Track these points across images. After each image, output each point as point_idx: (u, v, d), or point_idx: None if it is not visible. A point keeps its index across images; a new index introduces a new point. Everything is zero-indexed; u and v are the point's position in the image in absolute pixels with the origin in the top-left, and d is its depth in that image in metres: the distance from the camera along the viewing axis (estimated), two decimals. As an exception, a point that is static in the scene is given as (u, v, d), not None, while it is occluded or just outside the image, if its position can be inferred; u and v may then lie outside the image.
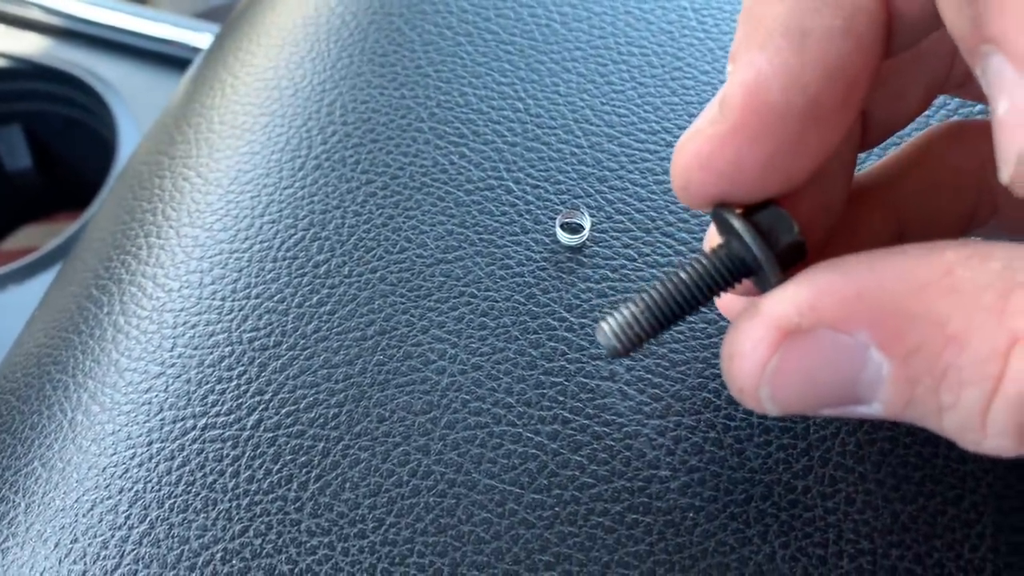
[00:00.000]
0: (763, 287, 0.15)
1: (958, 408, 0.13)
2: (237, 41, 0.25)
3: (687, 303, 0.14)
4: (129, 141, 0.41)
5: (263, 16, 0.26)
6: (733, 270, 0.14)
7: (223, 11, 0.53)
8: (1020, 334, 0.12)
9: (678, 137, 0.22)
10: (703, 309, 0.17)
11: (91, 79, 0.43)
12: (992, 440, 0.13)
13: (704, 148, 0.14)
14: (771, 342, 0.13)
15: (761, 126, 0.13)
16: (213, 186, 0.22)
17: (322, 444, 0.18)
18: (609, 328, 0.14)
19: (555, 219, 0.21)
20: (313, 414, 0.18)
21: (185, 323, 0.20)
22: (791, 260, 0.14)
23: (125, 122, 0.41)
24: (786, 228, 0.14)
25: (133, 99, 0.42)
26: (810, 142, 0.13)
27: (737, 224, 0.14)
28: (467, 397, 0.18)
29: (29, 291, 0.37)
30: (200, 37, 0.43)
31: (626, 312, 0.14)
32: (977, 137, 0.17)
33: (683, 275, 0.14)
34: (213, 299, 0.20)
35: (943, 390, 0.13)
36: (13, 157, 0.46)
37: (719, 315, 0.19)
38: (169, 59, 0.43)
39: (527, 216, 0.21)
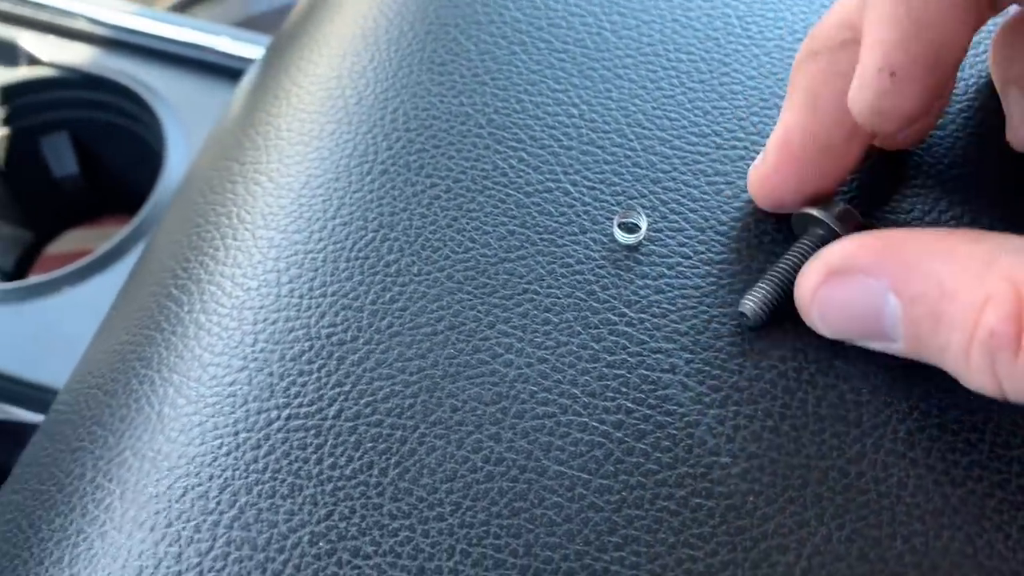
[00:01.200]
0: None
1: (951, 348, 0.17)
2: (297, 51, 0.27)
3: (787, 283, 0.20)
4: (177, 148, 0.42)
5: (321, 27, 0.27)
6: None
7: (262, 19, 0.54)
8: (993, 294, 0.16)
9: (727, 139, 0.23)
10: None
11: (138, 87, 0.44)
12: (974, 377, 0.17)
13: (753, 178, 0.21)
14: (820, 276, 0.19)
15: (788, 167, 0.20)
16: (285, 190, 0.23)
17: (399, 432, 0.19)
18: (754, 304, 0.20)
19: (612, 219, 0.21)
20: (390, 404, 0.19)
21: (265, 319, 0.21)
22: None
23: (173, 129, 0.42)
24: (853, 216, 0.20)
25: (179, 107, 0.43)
26: (827, 168, 0.20)
27: (823, 216, 0.20)
28: (534, 388, 0.19)
29: (84, 293, 0.39)
30: (242, 47, 0.44)
31: (762, 291, 0.20)
32: None
33: (791, 259, 0.20)
34: (291, 297, 0.21)
35: (940, 332, 0.17)
36: (60, 163, 0.48)
37: (773, 309, 0.20)
38: (214, 68, 0.44)
39: (585, 217, 0.22)
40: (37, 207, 0.50)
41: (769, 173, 0.21)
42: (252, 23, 0.53)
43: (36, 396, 0.37)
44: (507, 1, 0.25)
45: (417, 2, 0.26)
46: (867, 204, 0.22)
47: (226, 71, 0.44)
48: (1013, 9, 0.22)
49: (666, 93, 0.23)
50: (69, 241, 0.51)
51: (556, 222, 0.22)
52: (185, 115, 0.43)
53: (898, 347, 0.18)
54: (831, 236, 0.20)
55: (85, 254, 0.51)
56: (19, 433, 0.41)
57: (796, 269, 0.20)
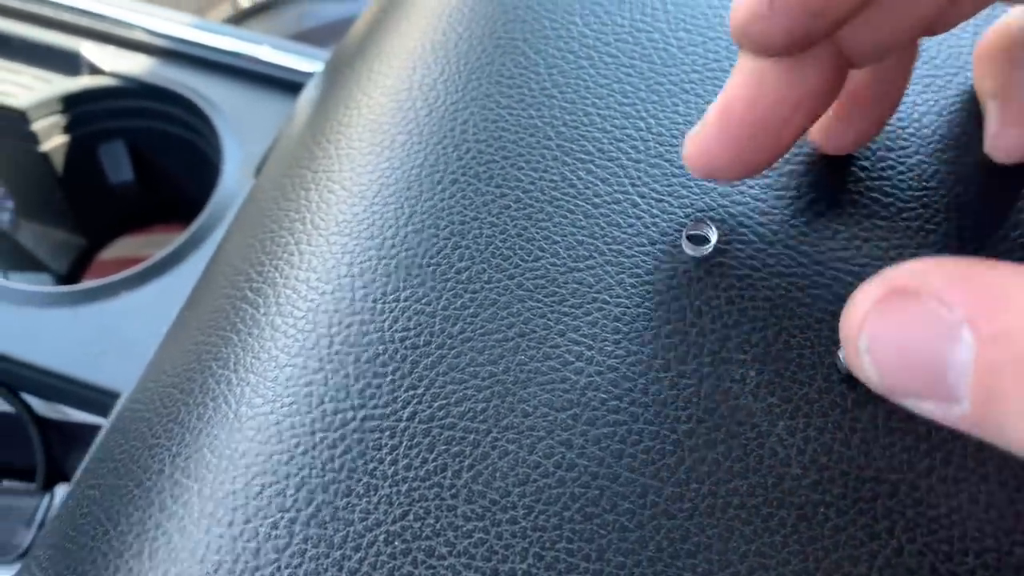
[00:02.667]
0: None
1: None
2: (365, 63, 0.27)
3: None
4: (233, 158, 0.43)
5: (388, 40, 0.27)
6: None
7: (314, 34, 0.55)
8: None
9: (794, 152, 0.23)
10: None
11: (196, 98, 0.45)
12: None
13: (689, 146, 0.21)
14: (879, 294, 0.14)
15: (725, 137, 0.20)
16: (358, 198, 0.23)
17: (472, 436, 0.19)
18: None
19: (680, 231, 0.22)
20: (463, 408, 0.20)
21: (340, 323, 0.21)
22: None
23: (229, 140, 0.43)
24: None
25: (235, 118, 0.44)
26: (766, 143, 0.20)
27: None
28: (605, 396, 0.20)
29: (140, 297, 0.39)
30: (298, 60, 0.45)
31: None
32: None
33: None
34: (365, 301, 0.21)
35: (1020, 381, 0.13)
36: (117, 171, 0.49)
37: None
38: (269, 80, 0.45)
39: (653, 228, 0.22)
40: (91, 213, 0.51)
41: (706, 141, 0.20)
42: (304, 37, 0.54)
43: (92, 397, 0.38)
44: (574, 16, 0.26)
45: (486, 17, 0.26)
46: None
47: (281, 83, 0.45)
48: (999, 23, 0.22)
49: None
50: (121, 247, 0.52)
51: (625, 233, 0.22)
52: (240, 126, 0.44)
53: (960, 410, 0.14)
54: None
55: (136, 260, 0.52)
56: (75, 434, 0.41)
57: None
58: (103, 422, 0.38)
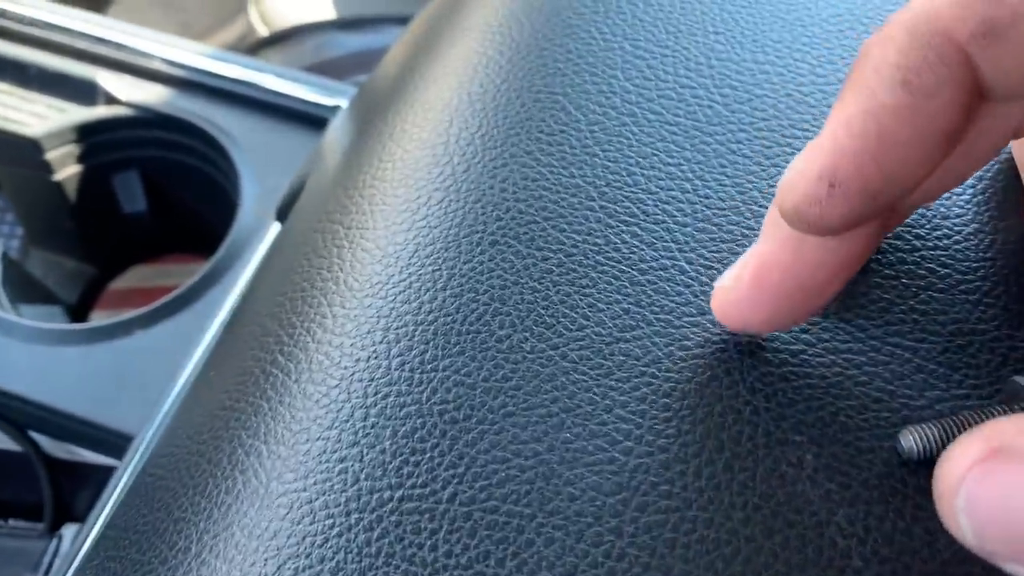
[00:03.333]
0: None
1: None
2: (399, 113, 0.26)
3: None
4: (250, 192, 0.42)
5: (425, 90, 0.27)
6: None
7: (334, 65, 0.54)
8: None
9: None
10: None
11: (212, 129, 0.44)
12: None
13: (719, 303, 0.20)
14: (980, 452, 0.14)
15: (761, 302, 0.19)
16: (393, 258, 0.22)
17: (516, 521, 0.18)
18: (916, 441, 0.18)
19: (731, 301, 0.21)
20: (506, 490, 0.19)
21: (376, 393, 0.20)
22: None
23: (246, 172, 0.43)
24: None
25: (252, 150, 0.44)
26: (797, 307, 0.19)
27: None
28: (655, 479, 0.19)
29: (154, 336, 0.39)
30: (317, 93, 0.44)
31: (932, 430, 0.18)
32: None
33: (980, 414, 0.18)
34: (402, 370, 0.20)
35: None
36: (131, 200, 0.48)
37: (904, 404, 0.19)
38: (287, 112, 0.44)
39: (703, 297, 0.21)
40: (103, 243, 0.50)
41: (738, 300, 0.19)
42: (323, 67, 0.54)
43: (103, 439, 0.37)
44: (616, 71, 0.25)
45: (525, 70, 0.25)
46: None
47: (301, 116, 0.44)
48: None
49: (782, 170, 0.23)
50: (133, 277, 0.52)
51: (673, 302, 0.21)
52: (258, 158, 0.43)
53: None
54: None
55: (148, 291, 0.51)
56: (85, 474, 0.40)
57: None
58: (114, 462, 0.37)
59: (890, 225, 0.20)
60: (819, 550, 0.18)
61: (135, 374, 0.37)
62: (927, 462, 0.19)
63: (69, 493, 0.41)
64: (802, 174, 0.17)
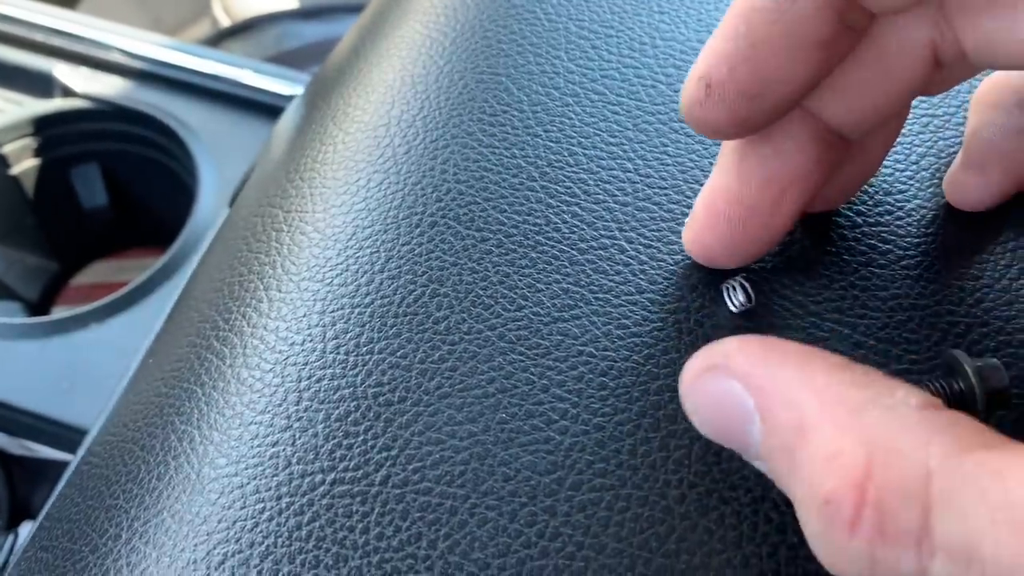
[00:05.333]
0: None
1: (796, 500, 0.15)
2: (343, 96, 0.26)
3: None
4: (208, 183, 0.41)
5: (368, 72, 0.26)
6: (953, 399, 0.18)
7: (295, 55, 0.54)
8: (843, 451, 0.14)
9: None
10: None
11: (170, 121, 0.44)
12: (810, 541, 0.14)
13: (686, 237, 0.20)
14: (700, 367, 0.16)
15: (715, 229, 0.19)
16: (332, 241, 0.22)
17: (449, 502, 0.18)
18: None
19: (673, 279, 0.21)
20: (439, 471, 0.19)
21: (310, 377, 0.20)
22: (998, 405, 0.18)
23: (205, 164, 0.42)
24: (1000, 380, 0.17)
25: (211, 142, 0.43)
26: (755, 231, 0.19)
27: (969, 370, 0.17)
28: (591, 458, 0.19)
29: (110, 329, 0.38)
30: (277, 83, 0.44)
31: None
32: None
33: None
34: (337, 353, 0.20)
35: (791, 477, 0.15)
36: (90, 195, 0.47)
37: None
38: (247, 103, 0.44)
39: (642, 276, 0.21)
40: (64, 238, 0.50)
41: (699, 232, 0.20)
42: (285, 58, 0.53)
43: (59, 434, 0.37)
44: (559, 51, 0.25)
45: (468, 51, 0.25)
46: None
47: (259, 107, 0.44)
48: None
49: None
50: (94, 272, 0.51)
51: (612, 281, 0.21)
52: (217, 150, 0.43)
53: (763, 468, 0.16)
54: (968, 392, 0.17)
55: (110, 285, 0.51)
56: (41, 470, 0.40)
57: None
58: (71, 458, 0.37)
59: (845, 136, 0.19)
60: (754, 526, 0.18)
61: (90, 368, 0.37)
62: None
63: (27, 491, 0.40)
64: (688, 77, 0.18)
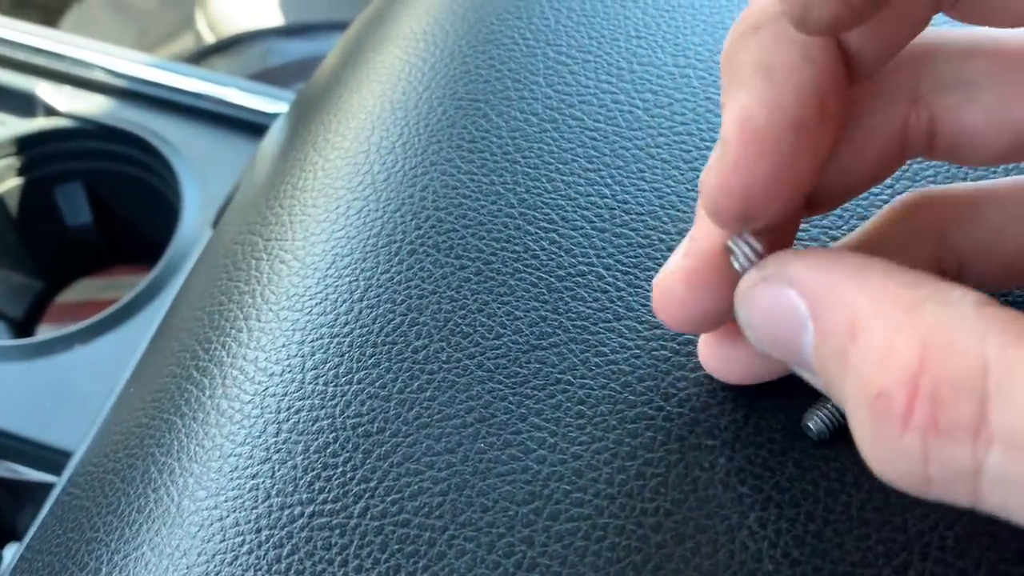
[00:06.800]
0: None
1: (847, 402, 0.14)
2: (323, 121, 0.26)
3: None
4: (192, 202, 0.42)
5: (348, 98, 0.26)
6: None
7: (279, 72, 0.54)
8: (898, 348, 0.13)
9: (763, 224, 0.22)
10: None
11: (154, 139, 0.44)
12: (859, 443, 0.14)
13: (716, 180, 0.16)
14: (756, 277, 0.16)
15: (757, 150, 0.16)
16: (311, 270, 0.22)
17: (428, 534, 0.18)
18: (822, 421, 0.18)
19: (651, 306, 0.21)
20: (418, 503, 0.19)
21: (289, 408, 0.20)
22: None
23: (189, 183, 0.42)
24: None
25: (195, 160, 0.43)
26: (801, 154, 0.16)
27: None
28: (568, 487, 0.19)
29: (95, 350, 0.38)
30: (261, 101, 0.44)
31: (832, 408, 0.18)
32: (938, 202, 0.19)
33: None
34: (316, 384, 0.20)
35: (844, 378, 0.14)
36: (74, 213, 0.47)
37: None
38: (231, 121, 0.44)
39: (619, 303, 0.21)
40: (49, 256, 0.49)
41: (730, 171, 0.16)
42: (270, 75, 0.53)
43: (43, 456, 0.37)
44: (538, 77, 0.25)
45: (447, 77, 0.25)
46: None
47: (244, 125, 0.44)
48: None
49: (700, 174, 0.23)
50: (79, 290, 0.51)
51: (589, 308, 0.21)
52: (201, 168, 0.43)
53: (819, 382, 0.16)
54: None
55: (95, 303, 0.50)
56: (26, 492, 0.40)
57: None
58: (56, 480, 0.37)
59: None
60: (730, 554, 0.18)
61: (75, 389, 0.37)
62: (838, 436, 0.19)
63: (11, 512, 0.40)
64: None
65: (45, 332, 0.50)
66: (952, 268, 0.19)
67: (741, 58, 0.16)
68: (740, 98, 0.16)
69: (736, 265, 0.17)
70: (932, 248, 0.19)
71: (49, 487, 0.39)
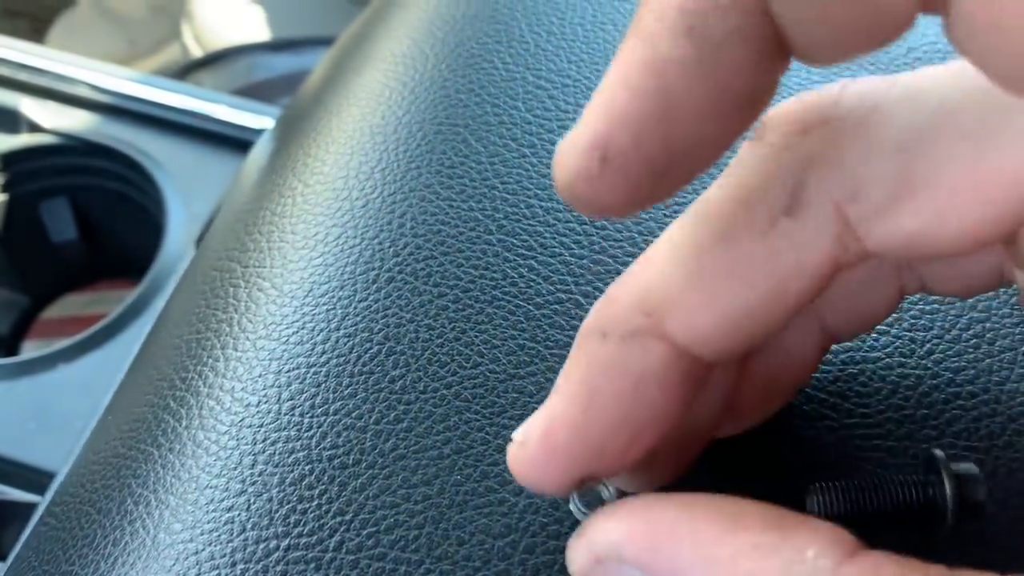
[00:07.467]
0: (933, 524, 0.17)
1: None
2: (303, 146, 0.26)
3: (871, 505, 0.17)
4: (177, 218, 0.41)
5: (328, 121, 0.26)
6: (920, 504, 0.17)
7: (265, 87, 0.54)
8: None
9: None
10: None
11: (138, 155, 0.44)
12: None
13: (515, 461, 0.16)
14: (586, 561, 0.15)
15: (549, 457, 0.16)
16: (288, 298, 0.22)
17: (404, 568, 0.18)
18: (821, 499, 0.17)
19: (625, 335, 0.21)
20: (394, 536, 0.19)
21: (265, 439, 0.20)
22: (970, 517, 0.17)
23: (173, 199, 0.42)
24: (976, 493, 0.17)
25: (180, 176, 0.43)
26: (596, 470, 0.16)
27: (946, 475, 0.17)
28: (544, 520, 0.19)
29: (79, 369, 0.38)
30: (246, 116, 0.44)
31: (836, 491, 0.17)
32: None
33: (888, 491, 0.17)
34: (292, 415, 0.20)
35: None
36: (59, 229, 0.47)
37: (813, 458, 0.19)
38: (215, 137, 0.44)
39: (597, 331, 0.21)
40: (35, 272, 0.49)
41: (530, 460, 0.16)
42: (255, 89, 0.53)
43: (26, 476, 0.36)
44: (517, 101, 0.25)
45: (427, 101, 0.25)
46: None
47: (228, 140, 0.44)
48: None
49: (679, 200, 0.23)
50: (65, 306, 0.51)
51: (567, 336, 0.21)
52: (186, 184, 0.43)
53: None
54: (941, 501, 0.17)
55: (81, 319, 0.50)
56: (11, 512, 0.39)
57: (885, 499, 0.17)
58: (40, 500, 0.37)
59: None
60: (706, 587, 0.18)
61: (58, 409, 0.37)
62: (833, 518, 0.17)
63: (-5, 531, 0.40)
64: (569, 145, 0.14)
65: (30, 348, 0.49)
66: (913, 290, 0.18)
67: (577, 360, 0.16)
68: (554, 405, 0.16)
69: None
70: (892, 277, 0.18)
71: (33, 507, 0.39)
